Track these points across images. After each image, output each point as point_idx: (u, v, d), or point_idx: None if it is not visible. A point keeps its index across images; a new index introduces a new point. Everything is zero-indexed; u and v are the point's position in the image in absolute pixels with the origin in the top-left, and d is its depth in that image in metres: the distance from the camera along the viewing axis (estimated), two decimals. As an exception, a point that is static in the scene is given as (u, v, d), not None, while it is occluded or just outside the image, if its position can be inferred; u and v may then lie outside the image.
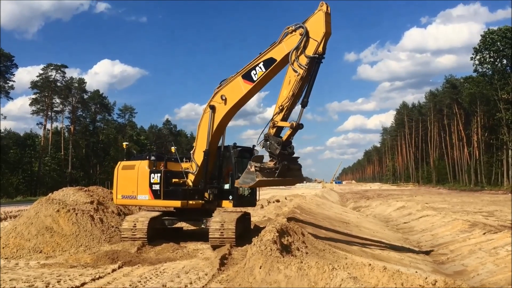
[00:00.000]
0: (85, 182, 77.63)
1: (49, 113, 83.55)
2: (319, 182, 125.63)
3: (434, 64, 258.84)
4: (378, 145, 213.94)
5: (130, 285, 8.71)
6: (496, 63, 76.97)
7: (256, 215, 22.85)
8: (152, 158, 14.87)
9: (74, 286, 8.59)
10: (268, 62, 12.67)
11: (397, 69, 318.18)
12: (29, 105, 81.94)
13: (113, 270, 10.22)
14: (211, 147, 13.87)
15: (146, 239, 13.48)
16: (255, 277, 7.50)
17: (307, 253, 10.56)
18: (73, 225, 13.87)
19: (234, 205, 14.67)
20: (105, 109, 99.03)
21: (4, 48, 72.44)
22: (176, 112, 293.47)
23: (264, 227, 11.85)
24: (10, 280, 9.11)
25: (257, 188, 15.29)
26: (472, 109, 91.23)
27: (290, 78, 12.06)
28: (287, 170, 12.33)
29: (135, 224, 13.67)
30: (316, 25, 11.94)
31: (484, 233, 16.16)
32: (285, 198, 33.00)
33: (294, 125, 12.07)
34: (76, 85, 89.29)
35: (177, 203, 13.97)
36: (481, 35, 77.86)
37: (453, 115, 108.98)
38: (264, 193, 47.37)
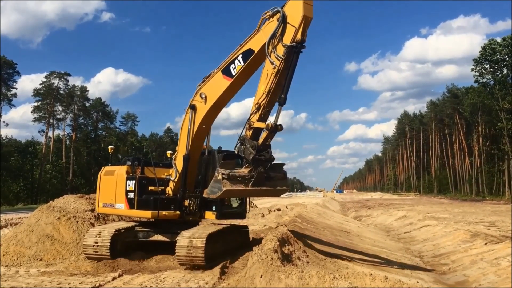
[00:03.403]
0: (86, 189, 77.56)
1: (51, 120, 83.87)
2: (320, 191, 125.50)
3: (434, 74, 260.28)
4: (379, 154, 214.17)
5: (130, 294, 8.67)
6: (497, 73, 77.17)
7: (257, 223, 22.80)
8: (128, 162, 13.37)
9: (74, 294, 8.56)
10: (247, 54, 11.10)
11: (397, 79, 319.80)
12: (31, 112, 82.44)
13: (113, 279, 10.18)
14: (192, 151, 12.33)
15: (109, 256, 11.94)
16: (255, 286, 7.47)
17: (308, 262, 10.51)
18: (74, 233, 13.84)
19: (217, 217, 13.08)
20: (107, 117, 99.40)
21: (9, 57, 72.89)
22: (177, 120, 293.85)
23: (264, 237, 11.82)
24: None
25: (247, 199, 14.01)
26: (473, 119, 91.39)
27: (267, 72, 10.48)
28: (267, 179, 10.60)
29: (96, 241, 12.12)
30: (294, 8, 10.25)
31: (485, 244, 16.08)
32: (286, 207, 32.93)
33: (270, 126, 10.24)
34: (78, 93, 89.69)
35: (148, 214, 12.27)
36: (481, 47, 78.26)
37: (454, 125, 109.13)
38: (265, 202, 47.28)
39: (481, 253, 14.89)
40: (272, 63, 10.28)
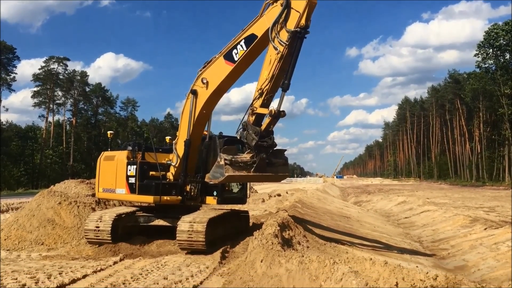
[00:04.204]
0: (87, 175, 77.70)
1: (51, 105, 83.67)
2: (320, 177, 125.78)
3: (436, 60, 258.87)
4: (380, 140, 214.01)
5: (131, 278, 8.72)
6: (499, 58, 76.80)
7: (257, 209, 22.87)
8: (129, 148, 13.35)
9: (75, 278, 8.60)
10: (249, 39, 11.04)
11: (399, 64, 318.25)
12: (31, 97, 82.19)
13: (115, 263, 10.24)
14: (193, 137, 12.34)
15: (110, 241, 12.00)
16: (256, 271, 7.51)
17: (308, 247, 10.56)
18: (75, 218, 13.88)
19: (218, 202, 13.10)
20: (107, 102, 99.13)
21: (8, 42, 72.49)
22: (177, 106, 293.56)
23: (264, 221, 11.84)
24: (12, 272, 9.13)
25: (248, 184, 14.06)
26: (475, 104, 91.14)
27: (270, 57, 10.43)
28: (269, 165, 10.70)
29: (97, 225, 12.15)
30: None
31: (485, 229, 16.15)
32: (286, 192, 33.00)
33: (274, 112, 10.29)
34: (78, 78, 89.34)
35: (149, 199, 12.31)
36: (485, 32, 77.82)
37: (455, 111, 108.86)
38: (265, 187, 47.39)
39: (480, 238, 14.97)
40: (276, 49, 10.21)
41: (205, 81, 11.90)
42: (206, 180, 11.16)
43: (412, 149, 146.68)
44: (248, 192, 14.35)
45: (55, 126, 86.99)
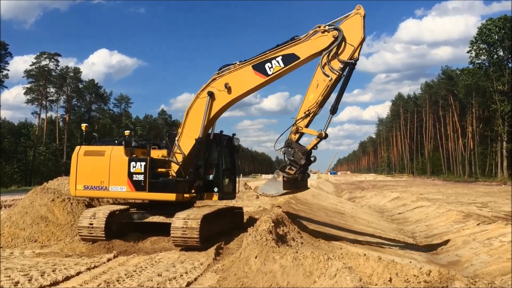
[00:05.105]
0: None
1: (44, 102, 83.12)
2: (314, 173, 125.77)
3: (430, 56, 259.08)
4: (374, 136, 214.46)
5: (125, 275, 8.70)
6: (492, 54, 77.10)
7: (252, 205, 22.87)
8: (134, 144, 13.21)
9: (69, 275, 8.57)
10: (288, 58, 11.61)
11: (392, 60, 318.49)
12: (24, 94, 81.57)
13: (109, 260, 10.21)
14: (203, 135, 12.53)
15: (104, 238, 11.87)
16: (250, 267, 7.51)
17: (302, 243, 10.60)
18: (68, 215, 13.81)
19: (219, 198, 13.43)
20: (101, 98, 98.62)
21: (2, 38, 72.02)
22: (171, 102, 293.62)
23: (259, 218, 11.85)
24: (5, 269, 9.08)
25: (238, 179, 14.35)
26: (468, 100, 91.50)
27: (318, 82, 11.34)
28: (301, 179, 11.77)
29: (91, 222, 11.97)
30: (353, 29, 11.34)
31: (478, 224, 16.25)
32: (281, 189, 32.98)
33: (324, 135, 11.34)
34: (72, 74, 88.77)
35: (170, 196, 12.08)
36: (478, 28, 78.13)
37: (448, 107, 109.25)
38: (259, 184, 47.32)
39: (473, 234, 15.07)
40: (327, 75, 11.17)
41: (228, 86, 12.04)
42: (259, 193, 12.17)
43: (405, 145, 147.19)
44: (237, 187, 14.38)
45: (48, 123, 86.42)
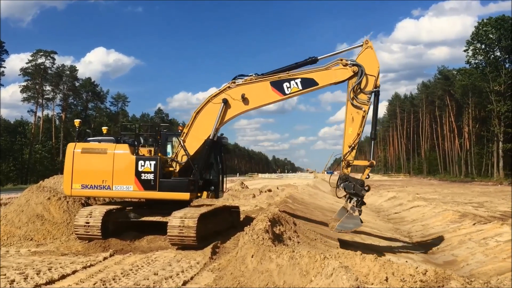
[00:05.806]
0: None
1: (40, 100, 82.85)
2: (311, 172, 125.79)
3: (427, 56, 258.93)
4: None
5: (121, 273, 8.69)
6: (489, 54, 77.30)
7: (248, 204, 22.89)
8: (142, 142, 13.33)
9: (65, 274, 8.55)
10: (308, 82, 12.48)
11: (389, 60, 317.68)
12: (20, 92, 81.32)
13: (105, 258, 10.19)
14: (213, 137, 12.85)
15: (100, 236, 11.76)
16: (247, 266, 7.51)
17: (298, 242, 10.61)
18: (64, 213, 13.78)
19: (217, 197, 13.75)
20: (97, 97, 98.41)
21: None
22: (168, 101, 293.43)
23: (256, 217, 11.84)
24: (0, 268, 9.05)
25: (225, 178, 14.38)
26: (464, 100, 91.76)
27: (352, 115, 12.25)
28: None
29: (88, 221, 11.85)
30: (368, 61, 12.31)
31: (474, 224, 16.29)
32: (277, 188, 33.03)
33: (374, 164, 12.56)
34: (68, 72, 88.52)
35: (185, 196, 12.09)
36: (474, 27, 78.30)
37: (445, 107, 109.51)
38: (256, 183, 47.47)
39: (469, 233, 15.09)
40: (360, 108, 12.12)
41: (245, 97, 12.63)
42: (332, 230, 12.58)
43: (402, 145, 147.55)
44: (224, 186, 14.46)
45: (44, 121, 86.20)
